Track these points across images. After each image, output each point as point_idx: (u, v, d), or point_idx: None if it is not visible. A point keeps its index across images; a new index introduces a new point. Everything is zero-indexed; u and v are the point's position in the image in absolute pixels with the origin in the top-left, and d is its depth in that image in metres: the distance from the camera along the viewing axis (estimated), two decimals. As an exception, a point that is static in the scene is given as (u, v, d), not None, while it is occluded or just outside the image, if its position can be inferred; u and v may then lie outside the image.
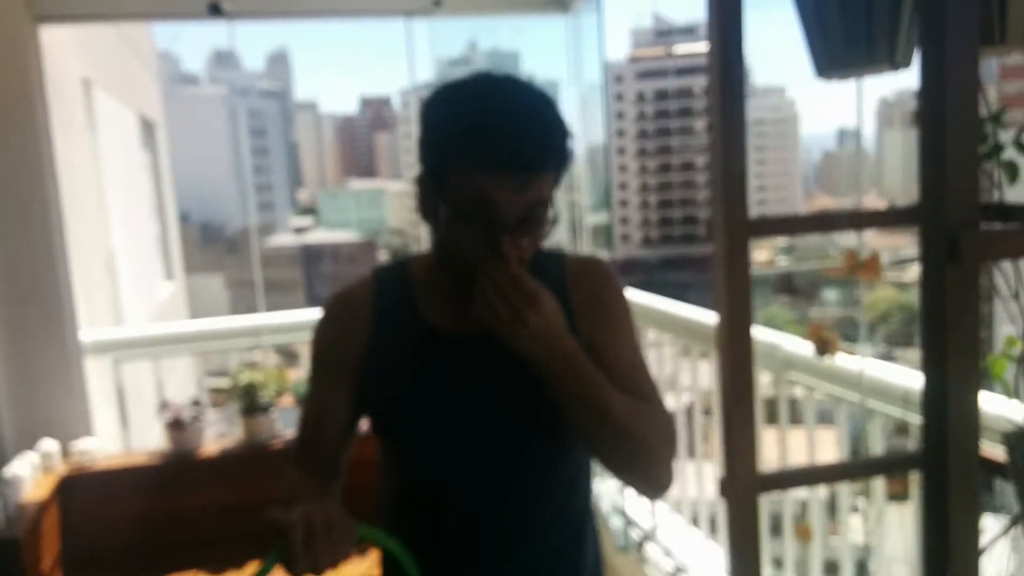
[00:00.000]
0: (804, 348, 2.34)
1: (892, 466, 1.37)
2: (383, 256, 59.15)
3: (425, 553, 1.20)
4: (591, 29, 3.13)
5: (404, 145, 65.59)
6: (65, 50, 4.29)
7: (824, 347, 1.43)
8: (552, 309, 1.08)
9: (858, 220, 1.32)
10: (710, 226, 1.34)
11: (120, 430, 3.36)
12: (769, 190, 69.04)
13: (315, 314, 1.32)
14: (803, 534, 1.67)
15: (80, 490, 2.90)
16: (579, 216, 3.57)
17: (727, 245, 1.31)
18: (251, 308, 3.51)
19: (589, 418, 1.11)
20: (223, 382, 3.22)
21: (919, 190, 1.33)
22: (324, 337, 1.29)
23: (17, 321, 2.94)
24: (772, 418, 2.57)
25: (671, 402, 3.04)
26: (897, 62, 1.18)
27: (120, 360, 3.24)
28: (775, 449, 2.54)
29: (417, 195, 1.20)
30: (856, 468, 1.45)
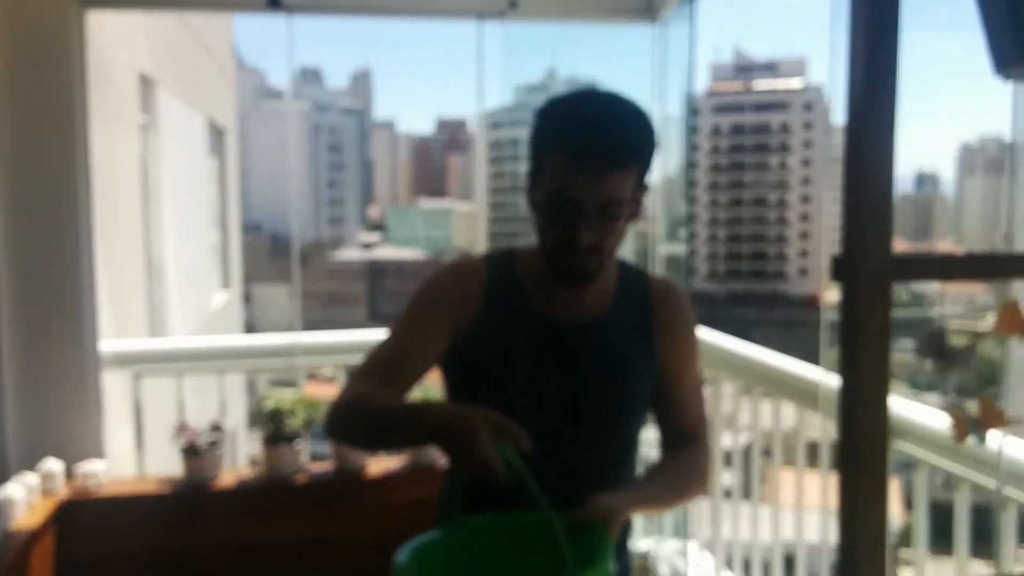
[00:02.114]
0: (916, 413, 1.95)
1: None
2: (448, 276, 59.53)
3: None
4: (680, 40, 2.79)
5: (477, 168, 66.10)
6: (121, 43, 4.13)
7: (970, 428, 1.04)
8: (610, 503, 1.22)
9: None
10: (837, 264, 1.02)
11: (135, 452, 3.10)
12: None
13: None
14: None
15: (81, 518, 2.62)
16: (651, 245, 3.23)
17: (862, 288, 0.99)
18: (313, 320, 3.25)
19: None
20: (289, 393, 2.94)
21: None
22: (440, 286, 1.42)
23: (32, 326, 2.70)
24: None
25: (727, 441, 3.02)
26: None
27: (141, 375, 2.98)
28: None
29: (526, 187, 1.39)
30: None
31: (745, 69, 67.81)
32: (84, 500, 2.65)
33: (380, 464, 2.86)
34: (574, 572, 1.08)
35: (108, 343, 2.90)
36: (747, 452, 2.84)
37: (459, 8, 2.96)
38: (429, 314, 1.40)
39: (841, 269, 1.00)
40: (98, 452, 2.79)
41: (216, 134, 7.92)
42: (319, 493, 2.79)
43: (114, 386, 2.95)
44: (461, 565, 1.20)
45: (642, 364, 1.42)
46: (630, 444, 1.46)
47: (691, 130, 2.79)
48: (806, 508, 2.60)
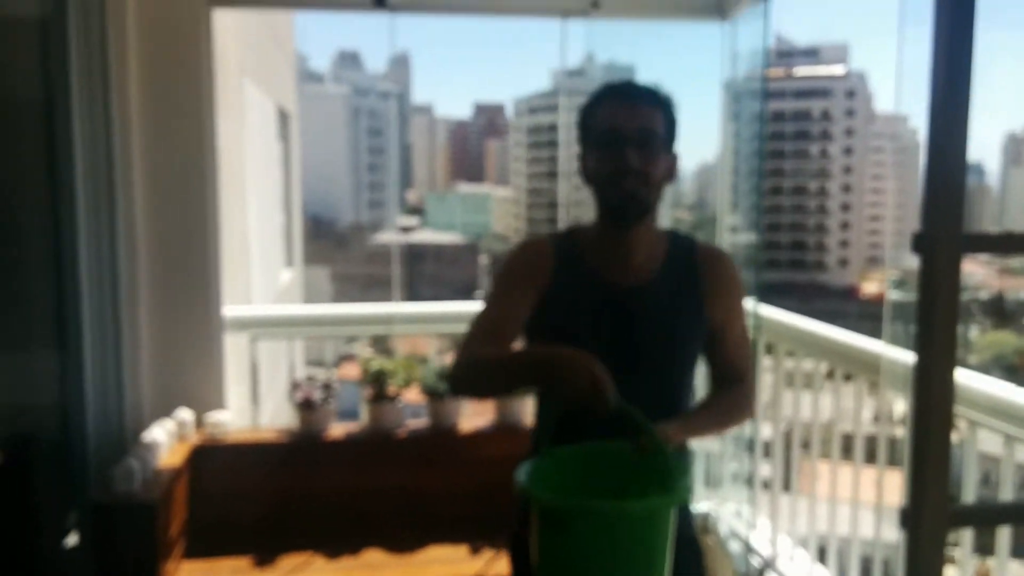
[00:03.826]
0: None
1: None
2: (484, 260, 59.63)
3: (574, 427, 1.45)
4: (751, 37, 3.04)
5: (514, 153, 66.04)
6: (224, 37, 4.46)
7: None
8: (668, 429, 1.47)
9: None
10: (917, 238, 1.26)
11: (250, 406, 3.45)
12: (885, 220, 66.48)
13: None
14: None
15: (211, 461, 2.98)
16: (717, 233, 3.47)
17: (937, 260, 1.23)
18: (352, 300, 3.58)
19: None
20: (320, 372, 3.27)
21: None
22: (520, 262, 1.69)
23: (167, 292, 3.05)
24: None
25: (768, 431, 3.13)
26: None
27: (257, 337, 3.32)
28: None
29: (579, 165, 1.67)
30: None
31: (786, 55, 67.00)
32: (213, 445, 3.00)
33: (471, 422, 3.17)
34: (679, 476, 1.35)
35: (229, 308, 3.24)
36: (788, 440, 3.01)
37: (545, 7, 3.23)
38: (514, 285, 1.65)
39: (920, 243, 1.25)
40: (221, 405, 3.14)
41: (283, 119, 8.28)
42: (417, 446, 3.11)
43: (232, 347, 3.29)
44: (571, 479, 1.42)
45: (691, 319, 1.65)
46: (683, 388, 1.69)
47: (762, 121, 3.03)
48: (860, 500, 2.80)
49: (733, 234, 3.56)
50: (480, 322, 1.64)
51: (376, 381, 3.10)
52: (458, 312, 3.51)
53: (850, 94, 61.13)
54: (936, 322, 1.22)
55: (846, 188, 61.35)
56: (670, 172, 1.64)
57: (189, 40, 3.04)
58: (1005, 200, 64.97)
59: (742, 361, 1.72)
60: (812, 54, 64.67)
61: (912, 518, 1.25)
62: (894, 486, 2.68)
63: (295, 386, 3.11)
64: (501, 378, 1.57)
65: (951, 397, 1.23)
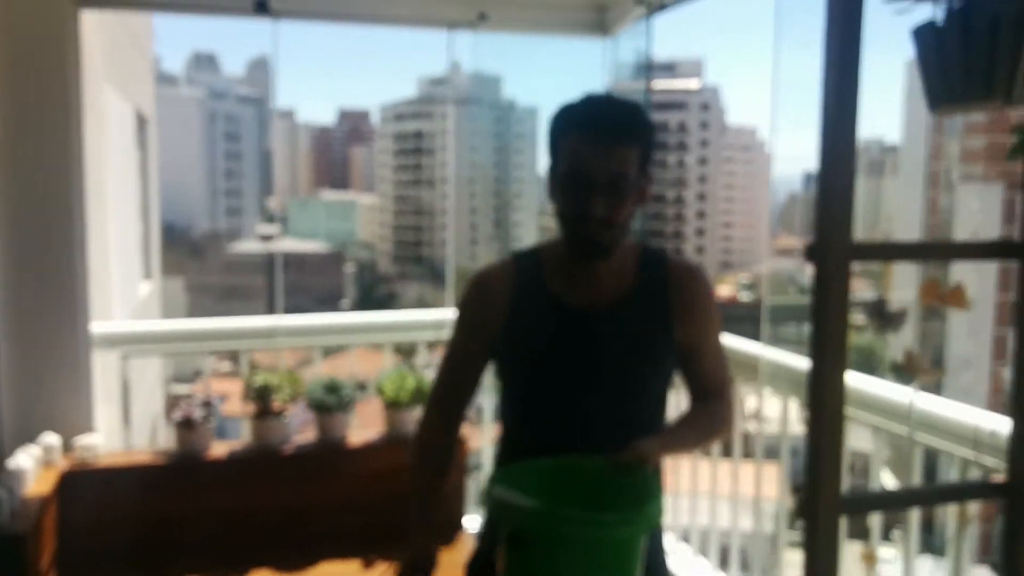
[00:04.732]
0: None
1: (970, 493, 1.37)
2: (350, 268, 58.75)
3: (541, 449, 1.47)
4: (629, 54, 3.15)
5: (380, 160, 65.44)
6: (85, 38, 4.21)
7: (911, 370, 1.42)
8: (646, 446, 1.41)
9: (954, 251, 1.33)
10: (810, 249, 1.34)
11: (122, 428, 3.27)
12: (736, 227, 69.87)
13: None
14: (868, 560, 1.67)
15: (81, 487, 2.79)
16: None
17: (828, 268, 1.31)
18: (209, 313, 3.47)
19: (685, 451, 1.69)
20: (185, 389, 3.17)
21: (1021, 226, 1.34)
22: (469, 304, 1.66)
23: (30, 309, 2.85)
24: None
25: None
26: (1013, 98, 1.19)
27: (129, 355, 3.15)
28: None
29: (547, 183, 1.57)
30: (936, 494, 1.45)
31: (645, 68, 69.36)
32: (83, 471, 2.82)
33: (360, 435, 3.12)
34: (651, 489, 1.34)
35: (97, 324, 3.06)
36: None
37: (432, 19, 3.23)
38: (467, 330, 1.65)
39: (813, 252, 1.33)
40: (90, 427, 2.96)
41: (141, 124, 7.90)
42: (304, 462, 3.03)
43: (102, 365, 3.11)
44: (538, 496, 1.34)
45: (661, 341, 1.59)
46: (655, 408, 1.64)
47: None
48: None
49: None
50: (436, 381, 1.72)
51: (260, 397, 3.00)
52: (343, 324, 3.46)
53: (704, 107, 63.98)
54: (829, 325, 1.31)
55: (701, 196, 64.12)
56: (643, 197, 1.55)
57: (55, 42, 2.86)
58: (843, 208, 69.25)
59: (718, 375, 1.68)
60: (669, 68, 67.27)
61: (809, 507, 1.33)
62: (748, 479, 2.87)
63: (173, 404, 2.98)
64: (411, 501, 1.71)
65: (843, 394, 1.32)
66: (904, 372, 1.42)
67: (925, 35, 1.22)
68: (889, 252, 1.30)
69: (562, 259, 1.60)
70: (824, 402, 1.28)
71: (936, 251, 1.30)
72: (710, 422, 1.65)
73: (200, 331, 3.30)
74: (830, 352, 1.27)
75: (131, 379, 3.28)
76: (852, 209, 1.29)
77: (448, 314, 3.31)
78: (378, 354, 3.46)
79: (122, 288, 6.09)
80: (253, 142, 72.72)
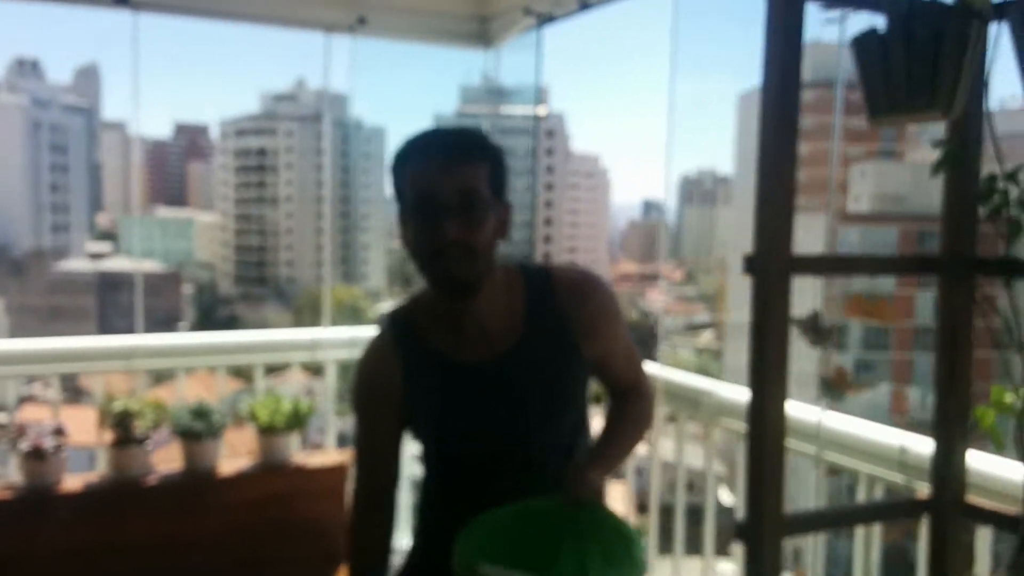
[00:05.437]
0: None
1: (900, 511, 1.41)
2: (188, 289, 56.13)
3: (468, 511, 1.38)
4: (516, 67, 3.14)
5: (220, 176, 63.03)
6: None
7: (839, 386, 1.45)
8: (593, 475, 1.37)
9: (888, 266, 1.38)
10: (750, 261, 1.34)
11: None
12: (579, 252, 71.93)
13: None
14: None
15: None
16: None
17: (768, 281, 1.31)
18: (33, 335, 3.19)
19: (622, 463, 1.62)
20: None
21: (942, 244, 1.40)
22: (363, 396, 1.57)
23: None
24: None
25: None
26: (953, 110, 1.24)
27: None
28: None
29: (400, 231, 1.46)
30: (869, 512, 1.48)
31: (494, 92, 70.50)
32: (-88, 511, 2.49)
33: (232, 463, 2.92)
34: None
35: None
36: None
37: (309, 19, 3.10)
38: (370, 415, 1.57)
39: (753, 265, 1.33)
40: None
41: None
42: (170, 493, 2.81)
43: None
44: (503, 549, 1.30)
45: (568, 367, 1.51)
46: (577, 430, 1.58)
47: (532, 153, 3.12)
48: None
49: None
50: (361, 475, 1.61)
51: (120, 423, 2.76)
52: (204, 344, 3.25)
53: (550, 133, 65.60)
54: (771, 339, 1.31)
55: (548, 221, 65.58)
56: (503, 228, 1.45)
57: None
58: (680, 234, 72.81)
59: (633, 372, 1.63)
60: (518, 94, 68.51)
61: (752, 529, 1.33)
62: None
63: (19, 432, 2.68)
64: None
65: (784, 413, 1.33)
66: (834, 387, 1.45)
67: (867, 43, 1.25)
68: (827, 265, 1.33)
69: (439, 310, 1.49)
70: (766, 421, 1.29)
71: (868, 265, 1.34)
72: (637, 425, 1.62)
73: (45, 351, 2.98)
74: (772, 368, 1.27)
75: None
76: (792, 222, 1.31)
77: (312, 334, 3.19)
78: (211, 378, 3.24)
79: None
80: (81, 154, 68.52)
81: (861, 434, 1.99)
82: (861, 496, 2.02)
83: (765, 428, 1.33)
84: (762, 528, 1.32)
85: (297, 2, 3.04)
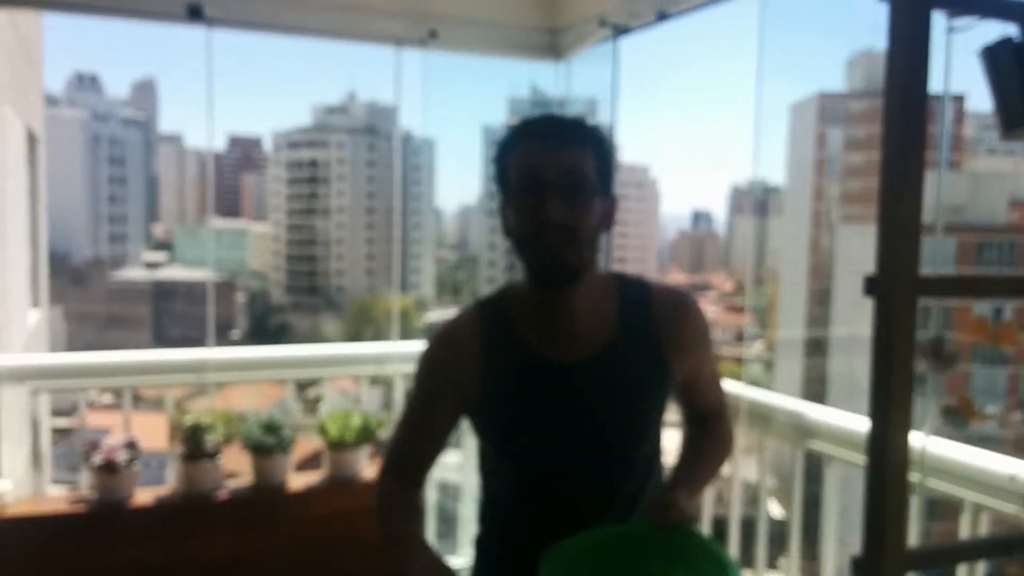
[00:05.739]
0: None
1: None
2: (241, 298, 57.03)
3: (538, 532, 1.34)
4: (589, 78, 3.08)
5: (273, 188, 63.98)
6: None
7: (965, 415, 1.36)
8: (683, 498, 1.33)
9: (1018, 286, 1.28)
10: (871, 282, 1.26)
11: (31, 472, 2.92)
12: (629, 262, 71.44)
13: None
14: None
15: (-13, 541, 2.49)
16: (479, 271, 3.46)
17: (893, 304, 1.23)
18: (90, 344, 3.18)
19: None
20: (63, 422, 2.90)
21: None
22: (434, 367, 1.46)
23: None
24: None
25: None
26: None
27: (38, 391, 2.83)
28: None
29: (500, 218, 1.42)
30: (993, 547, 1.38)
31: (540, 105, 70.45)
32: (-10, 523, 2.50)
33: (302, 479, 2.90)
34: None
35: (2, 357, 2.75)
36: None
37: (380, 34, 3.08)
38: (431, 394, 1.46)
39: (875, 285, 1.25)
40: (-5, 473, 2.64)
41: (31, 143, 7.39)
42: (240, 508, 2.79)
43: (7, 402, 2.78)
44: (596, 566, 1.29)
45: (655, 382, 1.45)
46: (653, 449, 1.51)
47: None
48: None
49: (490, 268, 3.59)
50: (393, 445, 1.53)
51: (191, 438, 2.75)
52: (277, 357, 3.23)
53: (599, 143, 65.32)
54: (894, 364, 1.22)
55: (596, 231, 65.26)
56: (607, 219, 1.39)
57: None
58: (731, 244, 72.06)
59: (716, 397, 1.59)
60: (566, 106, 68.41)
61: (869, 564, 1.24)
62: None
63: (92, 446, 2.69)
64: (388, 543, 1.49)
65: (908, 442, 1.24)
66: (959, 417, 1.35)
67: (1001, 53, 1.16)
68: (959, 287, 1.23)
69: (532, 302, 1.42)
70: (889, 451, 1.20)
71: (1006, 286, 1.24)
72: (721, 449, 1.57)
73: (127, 364, 2.99)
74: (897, 396, 1.19)
75: (41, 418, 2.95)
76: (919, 241, 1.22)
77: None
78: (262, 387, 3.22)
79: (13, 317, 5.61)
80: (138, 167, 70.21)
81: (967, 460, 1.88)
82: (964, 527, 1.91)
83: (887, 458, 1.24)
84: (883, 563, 1.23)
85: (369, 17, 3.01)
